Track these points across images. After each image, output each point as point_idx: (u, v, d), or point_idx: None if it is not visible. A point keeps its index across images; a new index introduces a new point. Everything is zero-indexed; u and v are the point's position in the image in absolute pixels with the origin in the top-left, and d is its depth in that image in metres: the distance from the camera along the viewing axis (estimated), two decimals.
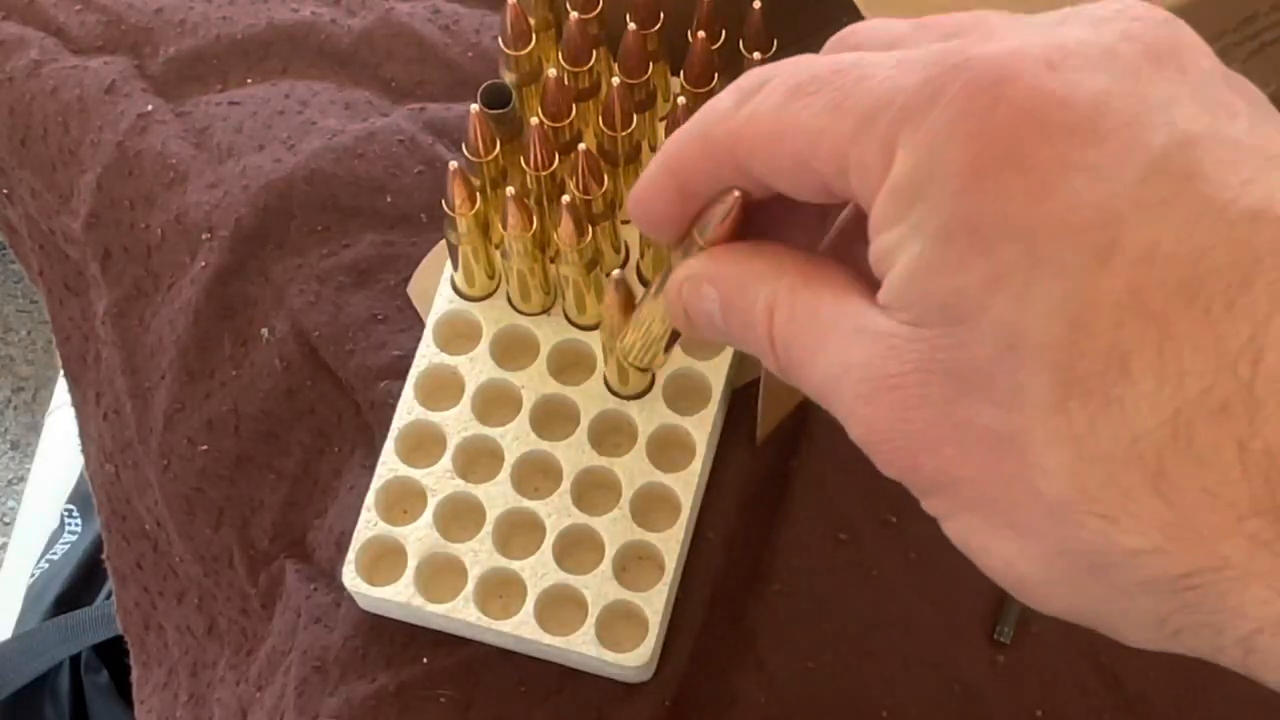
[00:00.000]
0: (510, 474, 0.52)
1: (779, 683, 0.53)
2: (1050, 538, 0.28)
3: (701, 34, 0.51)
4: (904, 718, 0.53)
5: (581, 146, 0.50)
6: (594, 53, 0.53)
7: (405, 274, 0.59)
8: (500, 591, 0.52)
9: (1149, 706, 0.53)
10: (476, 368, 0.54)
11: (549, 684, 0.53)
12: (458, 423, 0.53)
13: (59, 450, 1.10)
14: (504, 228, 0.50)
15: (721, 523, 0.54)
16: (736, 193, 0.32)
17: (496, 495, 0.52)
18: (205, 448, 0.59)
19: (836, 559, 0.55)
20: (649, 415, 0.53)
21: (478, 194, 0.51)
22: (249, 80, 0.63)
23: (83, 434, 0.67)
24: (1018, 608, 0.54)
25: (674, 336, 0.39)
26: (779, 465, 0.56)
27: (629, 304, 0.48)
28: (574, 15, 0.51)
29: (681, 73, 0.53)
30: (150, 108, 0.62)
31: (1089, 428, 0.26)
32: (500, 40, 0.53)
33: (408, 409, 0.53)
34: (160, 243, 0.61)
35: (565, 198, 0.49)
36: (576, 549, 0.52)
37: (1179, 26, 0.29)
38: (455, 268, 0.54)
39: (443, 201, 0.51)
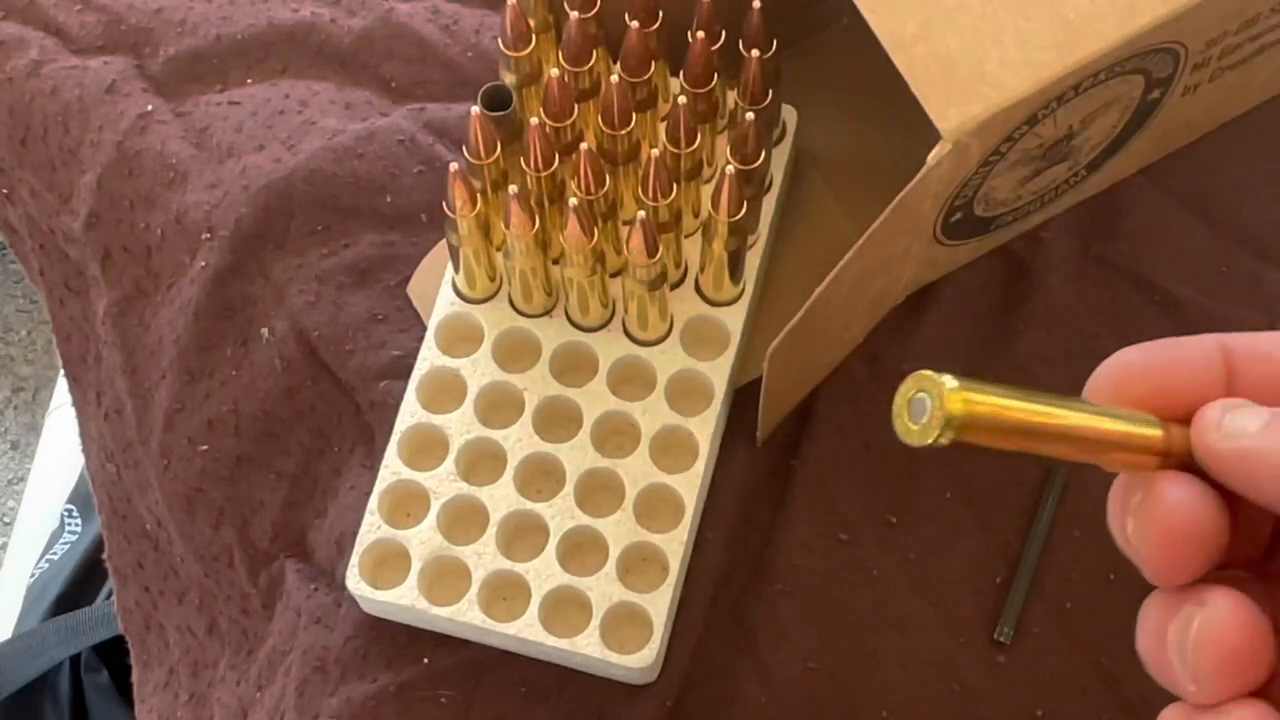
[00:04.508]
0: (513, 476, 0.52)
1: (779, 683, 0.53)
2: None
3: (701, 34, 0.52)
4: (904, 718, 0.53)
5: (583, 146, 0.50)
6: (594, 53, 0.53)
7: (405, 274, 0.59)
8: (504, 594, 0.52)
9: (1149, 708, 0.53)
10: (478, 370, 0.54)
11: (550, 685, 0.53)
12: (460, 425, 0.53)
13: (59, 450, 1.10)
14: (506, 227, 0.51)
15: (722, 523, 0.55)
16: None
17: (500, 497, 0.52)
18: (205, 448, 0.59)
19: (836, 559, 0.55)
20: (651, 416, 0.53)
21: (478, 196, 0.51)
22: (249, 80, 0.63)
23: (83, 434, 0.67)
24: (1018, 608, 0.54)
25: None
26: (780, 465, 0.56)
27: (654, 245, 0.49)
28: (573, 15, 0.51)
29: (681, 73, 0.53)
30: (150, 108, 0.62)
31: None
32: (500, 42, 0.53)
33: (410, 412, 0.53)
34: (160, 243, 0.61)
35: (572, 201, 0.49)
36: (580, 551, 0.52)
37: None
38: (456, 270, 0.54)
39: (444, 204, 0.51)
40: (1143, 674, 0.57)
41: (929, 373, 0.28)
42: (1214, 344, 0.31)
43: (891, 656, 0.54)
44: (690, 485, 0.52)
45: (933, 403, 0.28)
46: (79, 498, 1.04)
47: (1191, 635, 0.29)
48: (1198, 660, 0.29)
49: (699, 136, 0.52)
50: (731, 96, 0.54)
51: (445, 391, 0.54)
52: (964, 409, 0.28)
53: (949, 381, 0.28)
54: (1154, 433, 0.30)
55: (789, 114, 0.57)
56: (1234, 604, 0.29)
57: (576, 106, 0.52)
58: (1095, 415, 0.30)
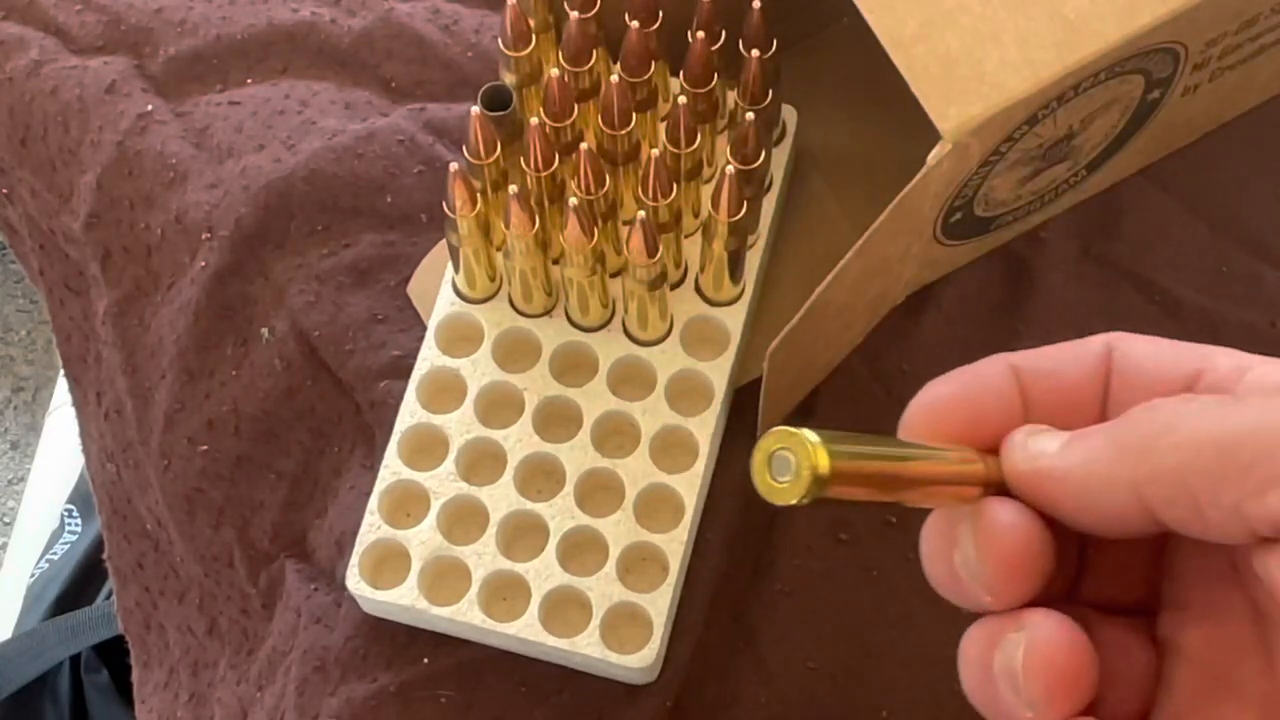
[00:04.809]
0: (513, 476, 0.52)
1: (779, 683, 0.53)
2: None
3: (701, 34, 0.52)
4: (904, 718, 0.53)
5: (583, 146, 0.50)
6: (594, 53, 0.53)
7: (405, 274, 0.59)
8: (504, 594, 0.52)
9: None
10: (478, 370, 0.54)
11: (550, 685, 0.53)
12: (460, 425, 0.53)
13: (59, 450, 1.10)
14: (506, 227, 0.51)
15: (722, 523, 0.55)
16: None
17: (500, 498, 0.52)
18: (205, 448, 0.59)
19: (836, 559, 0.55)
20: (652, 416, 0.53)
21: (478, 196, 0.51)
22: (249, 80, 0.63)
23: (83, 434, 0.67)
24: None
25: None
26: None
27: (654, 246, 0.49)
28: (573, 15, 0.51)
29: (681, 73, 0.53)
30: (150, 108, 0.62)
31: None
32: (500, 42, 0.53)
33: (410, 412, 0.53)
34: (160, 243, 0.61)
35: (572, 201, 0.49)
36: (580, 551, 0.52)
37: None
38: (456, 270, 0.54)
39: (444, 204, 0.51)
40: None
41: (790, 429, 0.28)
42: (1005, 365, 0.32)
43: (891, 656, 0.54)
44: (690, 485, 0.52)
45: (797, 459, 0.28)
46: (79, 498, 1.04)
47: (1019, 660, 0.29)
48: (1029, 685, 0.29)
49: (699, 136, 0.52)
50: (731, 96, 0.54)
51: (445, 391, 0.54)
52: (829, 464, 0.28)
53: (811, 436, 0.28)
54: (976, 465, 0.31)
55: (789, 114, 0.57)
56: (1054, 623, 0.29)
57: (576, 106, 0.52)
58: (928, 455, 0.31)
